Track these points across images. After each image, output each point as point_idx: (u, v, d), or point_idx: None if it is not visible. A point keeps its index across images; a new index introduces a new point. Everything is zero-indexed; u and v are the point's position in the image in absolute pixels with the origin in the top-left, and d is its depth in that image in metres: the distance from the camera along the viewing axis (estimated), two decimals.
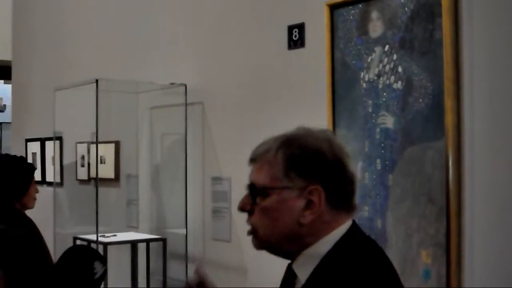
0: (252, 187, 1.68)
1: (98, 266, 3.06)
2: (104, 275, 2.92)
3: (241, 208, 1.71)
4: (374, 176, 3.14)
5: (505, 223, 2.63)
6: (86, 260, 3.02)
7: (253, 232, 1.71)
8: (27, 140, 6.96)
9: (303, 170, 1.64)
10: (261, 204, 1.66)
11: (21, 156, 4.18)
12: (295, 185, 1.64)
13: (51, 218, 5.66)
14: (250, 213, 1.70)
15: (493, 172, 2.67)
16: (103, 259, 3.11)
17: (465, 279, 2.74)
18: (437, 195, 2.82)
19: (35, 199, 3.94)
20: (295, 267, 1.70)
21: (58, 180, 6.19)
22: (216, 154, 4.41)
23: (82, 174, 5.89)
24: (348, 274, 1.56)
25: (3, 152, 7.62)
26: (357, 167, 3.23)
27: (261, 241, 1.69)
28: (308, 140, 1.67)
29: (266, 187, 1.66)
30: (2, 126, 12.75)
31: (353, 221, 1.70)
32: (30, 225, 3.83)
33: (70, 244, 5.00)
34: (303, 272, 1.66)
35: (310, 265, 1.64)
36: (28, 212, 3.92)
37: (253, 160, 1.72)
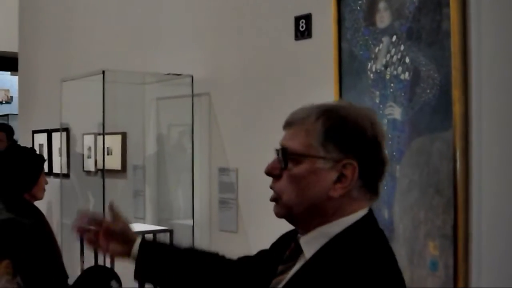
0: (284, 151, 1.65)
1: (114, 284, 3.14)
2: None
3: (269, 172, 1.68)
4: None
5: None
6: (103, 279, 3.10)
7: (276, 198, 1.68)
8: (34, 132, 6.96)
9: (340, 143, 1.62)
10: (292, 171, 1.64)
11: (31, 147, 4.21)
12: (330, 157, 1.62)
13: (58, 209, 5.68)
14: (277, 178, 1.67)
15: (501, 163, 2.66)
16: (119, 278, 3.21)
17: (472, 270, 2.73)
18: (445, 186, 2.81)
19: (44, 190, 3.97)
20: (303, 242, 1.68)
21: (65, 171, 6.21)
22: (222, 145, 4.41)
23: (89, 165, 5.90)
24: (353, 258, 1.56)
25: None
26: None
27: (284, 208, 1.67)
28: (351, 114, 1.65)
29: (299, 154, 1.63)
30: (9, 117, 12.78)
31: (370, 209, 1.69)
32: (38, 215, 3.86)
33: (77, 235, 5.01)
34: (309, 248, 1.66)
35: (318, 243, 1.64)
36: (35, 203, 3.94)
37: (289, 124, 1.69)
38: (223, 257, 2.14)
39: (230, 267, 2.08)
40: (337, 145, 1.62)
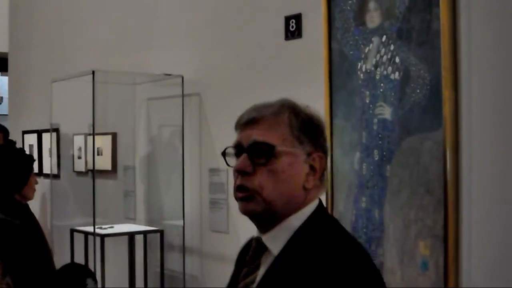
0: (259, 146, 1.66)
1: (90, 282, 3.13)
2: None
3: (242, 169, 1.67)
4: (372, 167, 3.13)
5: (503, 214, 2.62)
6: (79, 276, 3.09)
7: (250, 195, 1.67)
8: (24, 132, 6.94)
9: (311, 136, 1.69)
10: (272, 165, 1.65)
11: (20, 148, 4.20)
12: (304, 150, 1.68)
13: (48, 210, 5.66)
14: (248, 174, 1.67)
15: (491, 162, 2.66)
16: (94, 276, 3.20)
17: (463, 270, 2.73)
18: (435, 185, 2.81)
19: (34, 190, 3.96)
20: (265, 239, 1.69)
21: (55, 172, 6.19)
22: (213, 145, 4.40)
23: (79, 165, 5.89)
24: (321, 246, 1.59)
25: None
26: (354, 158, 3.22)
27: (263, 203, 1.65)
28: (310, 110, 1.75)
29: (277, 148, 1.65)
30: None
31: (319, 199, 1.74)
32: (29, 216, 3.85)
33: (67, 236, 5.00)
34: (275, 245, 1.66)
35: (282, 238, 1.65)
36: (27, 204, 3.93)
37: (255, 120, 1.71)
38: None
39: None
40: (309, 139, 1.69)
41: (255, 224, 1.73)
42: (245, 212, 1.69)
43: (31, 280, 3.21)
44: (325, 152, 1.73)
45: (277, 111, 1.69)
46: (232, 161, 1.72)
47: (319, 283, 1.51)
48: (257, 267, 1.70)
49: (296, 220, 1.67)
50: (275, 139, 1.66)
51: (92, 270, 4.14)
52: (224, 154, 1.75)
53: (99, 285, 4.37)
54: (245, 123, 1.72)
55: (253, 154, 1.66)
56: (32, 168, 3.96)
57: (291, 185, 1.66)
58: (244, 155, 1.68)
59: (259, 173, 1.65)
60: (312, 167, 1.68)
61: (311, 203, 1.70)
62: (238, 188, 1.69)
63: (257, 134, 1.68)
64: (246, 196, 1.67)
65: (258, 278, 1.67)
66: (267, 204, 1.65)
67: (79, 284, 3.00)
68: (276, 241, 1.66)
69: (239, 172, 1.68)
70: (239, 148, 1.71)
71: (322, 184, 1.73)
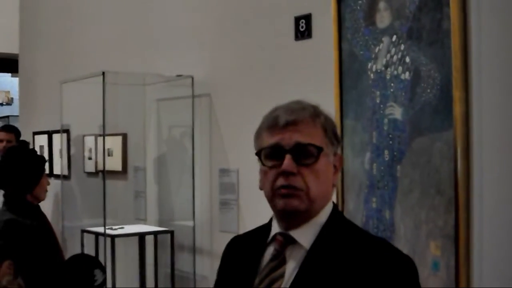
0: (305, 147, 1.73)
1: (98, 274, 3.12)
2: (104, 283, 2.99)
3: (288, 171, 1.72)
4: (382, 167, 3.13)
5: None
6: (87, 268, 3.09)
7: (295, 193, 1.72)
8: (35, 133, 6.97)
9: (334, 137, 1.81)
10: (313, 166, 1.73)
11: (32, 148, 4.22)
12: (333, 150, 1.80)
13: (59, 211, 5.67)
14: (292, 175, 1.73)
15: (502, 163, 2.65)
16: (103, 268, 3.18)
17: (474, 270, 2.72)
18: (446, 186, 2.81)
19: (46, 190, 3.98)
20: (295, 234, 1.76)
21: (65, 173, 6.21)
22: (223, 146, 4.41)
23: (90, 166, 5.90)
24: (352, 239, 1.73)
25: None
26: (365, 158, 3.22)
27: (308, 201, 1.73)
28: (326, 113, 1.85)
29: (320, 149, 1.74)
30: (9, 119, 12.77)
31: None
32: (40, 216, 3.86)
33: (78, 236, 5.02)
34: (305, 238, 1.75)
35: (312, 233, 1.75)
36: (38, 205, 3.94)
37: (293, 123, 1.76)
38: None
39: None
40: (334, 140, 1.81)
41: (286, 221, 1.78)
42: (287, 207, 1.73)
43: (42, 280, 3.22)
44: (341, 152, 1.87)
45: (313, 114, 1.79)
46: (268, 162, 1.77)
47: (359, 274, 1.63)
48: (283, 262, 1.75)
49: (323, 216, 1.77)
50: (319, 141, 1.75)
51: None
52: (259, 154, 1.81)
53: (110, 285, 4.38)
54: (284, 125, 1.76)
55: (298, 155, 1.73)
56: (43, 169, 3.97)
57: (327, 184, 1.78)
58: (288, 156, 1.72)
59: (304, 173, 1.73)
60: (334, 166, 1.80)
61: (330, 201, 1.82)
62: (284, 187, 1.73)
63: (299, 136, 1.74)
64: (291, 194, 1.73)
65: (288, 272, 1.73)
66: (310, 202, 1.73)
67: (87, 275, 2.99)
68: (306, 235, 1.75)
69: (285, 172, 1.73)
70: (278, 149, 1.75)
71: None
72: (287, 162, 1.72)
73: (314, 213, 1.76)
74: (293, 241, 1.75)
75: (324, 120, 1.80)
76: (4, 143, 6.15)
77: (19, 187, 3.70)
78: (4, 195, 3.76)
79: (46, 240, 3.65)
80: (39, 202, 3.94)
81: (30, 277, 3.12)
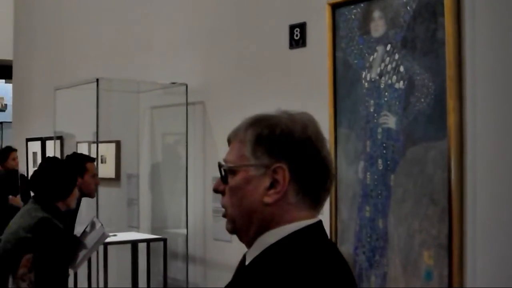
0: (220, 166, 1.65)
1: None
2: None
3: (215, 189, 1.68)
4: (376, 176, 3.12)
5: (507, 224, 2.61)
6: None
7: (225, 213, 1.67)
8: (28, 140, 6.95)
9: (269, 148, 1.59)
10: (230, 183, 1.63)
11: (66, 159, 4.32)
12: (260, 163, 1.59)
13: None
14: (223, 194, 1.66)
15: (495, 172, 2.66)
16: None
17: (467, 280, 2.72)
18: (439, 195, 2.81)
19: (76, 199, 4.04)
20: (247, 254, 1.66)
21: None
22: (217, 153, 4.40)
23: None
24: (277, 269, 1.53)
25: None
26: (358, 167, 3.22)
27: (229, 222, 1.65)
28: (280, 120, 1.63)
29: (233, 165, 1.63)
30: (3, 125, 12.76)
31: (319, 222, 1.63)
32: (68, 223, 3.95)
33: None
34: (249, 259, 1.64)
35: (255, 253, 1.62)
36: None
37: (228, 141, 1.70)
38: None
39: None
40: (266, 151, 1.59)
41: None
42: (226, 230, 1.69)
43: (49, 281, 3.28)
44: (293, 162, 1.59)
45: (238, 128, 1.67)
46: None
47: None
48: None
49: (271, 237, 1.60)
50: (233, 157, 1.64)
51: (96, 278, 4.13)
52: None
53: None
54: (228, 143, 1.71)
55: (220, 174, 1.67)
56: (77, 179, 4.01)
57: (249, 201, 1.60)
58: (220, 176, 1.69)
59: (226, 192, 1.65)
60: (275, 180, 1.58)
61: (301, 221, 1.60)
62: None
63: (226, 154, 1.67)
64: (223, 215, 1.68)
65: None
66: (231, 222, 1.65)
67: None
68: (250, 256, 1.63)
69: (214, 191, 1.70)
70: None
71: (305, 199, 1.60)
72: (216, 181, 1.70)
73: (250, 233, 1.63)
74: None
75: (245, 133, 1.63)
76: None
77: (54, 195, 3.73)
78: (34, 197, 3.79)
79: (67, 246, 3.70)
80: (67, 209, 3.98)
81: (41, 275, 3.20)
